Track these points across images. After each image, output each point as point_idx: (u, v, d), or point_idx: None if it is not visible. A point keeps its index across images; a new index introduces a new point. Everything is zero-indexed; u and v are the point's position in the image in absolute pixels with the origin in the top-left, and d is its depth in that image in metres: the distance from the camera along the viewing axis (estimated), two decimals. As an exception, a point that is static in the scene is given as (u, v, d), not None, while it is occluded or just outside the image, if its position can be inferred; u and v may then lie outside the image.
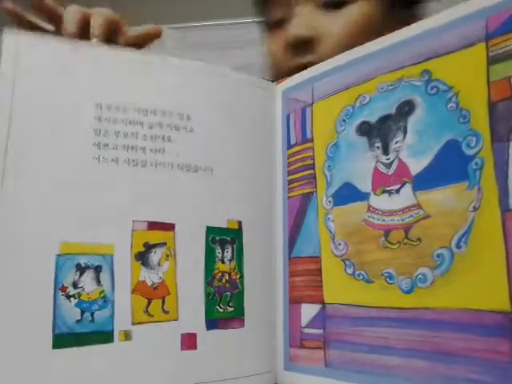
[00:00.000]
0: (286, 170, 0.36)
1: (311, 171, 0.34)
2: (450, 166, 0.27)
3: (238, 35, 1.55)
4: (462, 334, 0.24)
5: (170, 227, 0.33)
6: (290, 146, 0.36)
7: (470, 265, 0.25)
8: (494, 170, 0.25)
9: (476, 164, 0.25)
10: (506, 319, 0.23)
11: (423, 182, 0.28)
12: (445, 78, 0.28)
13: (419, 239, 0.27)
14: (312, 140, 0.35)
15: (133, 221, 0.31)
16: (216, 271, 0.34)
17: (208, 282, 0.33)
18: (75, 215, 0.30)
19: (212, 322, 0.33)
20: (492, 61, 0.25)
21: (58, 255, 0.29)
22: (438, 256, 0.26)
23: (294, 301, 0.34)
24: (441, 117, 0.27)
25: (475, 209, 0.25)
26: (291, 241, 0.35)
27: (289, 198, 0.36)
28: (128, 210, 0.31)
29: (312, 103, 0.35)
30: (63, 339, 0.28)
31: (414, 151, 0.28)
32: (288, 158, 0.36)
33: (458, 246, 0.25)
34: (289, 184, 0.36)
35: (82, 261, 0.29)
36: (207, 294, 0.33)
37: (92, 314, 0.29)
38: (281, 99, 0.38)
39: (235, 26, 1.61)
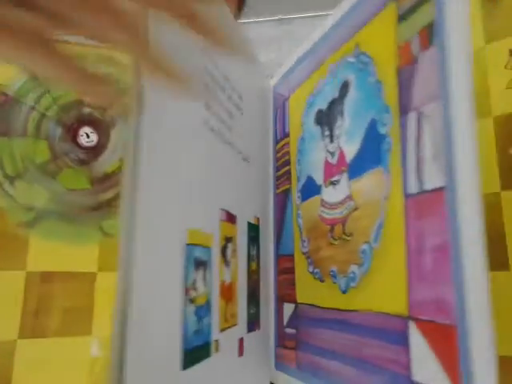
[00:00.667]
0: (275, 165, 0.36)
1: (289, 166, 0.33)
2: (371, 149, 0.23)
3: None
4: (375, 340, 0.21)
5: (235, 220, 0.28)
6: (276, 142, 0.36)
7: (381, 261, 0.21)
8: (400, 149, 0.21)
9: (387, 144, 0.22)
10: (403, 325, 0.19)
11: (355, 169, 0.25)
12: (368, 49, 0.24)
13: (351, 234, 0.25)
14: (289, 135, 0.34)
15: (219, 209, 0.26)
16: (251, 270, 0.32)
17: (247, 282, 0.30)
18: (194, 196, 0.22)
19: (250, 325, 0.31)
20: (399, 20, 0.22)
21: (187, 245, 0.21)
22: (363, 252, 0.23)
23: (280, 300, 0.34)
24: (366, 94, 0.24)
25: (386, 197, 0.22)
26: (278, 238, 0.35)
27: (277, 194, 0.35)
28: (217, 196, 0.26)
29: (288, 97, 0.34)
30: (191, 356, 0.21)
31: (349, 136, 0.26)
32: (276, 154, 0.36)
33: (375, 241, 0.22)
34: (277, 180, 0.35)
35: (198, 254, 0.22)
36: (248, 295, 0.30)
37: (202, 323, 0.23)
38: (272, 95, 0.37)
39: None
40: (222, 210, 0.26)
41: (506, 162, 0.29)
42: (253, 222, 0.32)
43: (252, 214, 0.33)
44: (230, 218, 0.27)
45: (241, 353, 0.28)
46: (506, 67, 0.29)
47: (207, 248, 0.24)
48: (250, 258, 0.31)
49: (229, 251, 0.27)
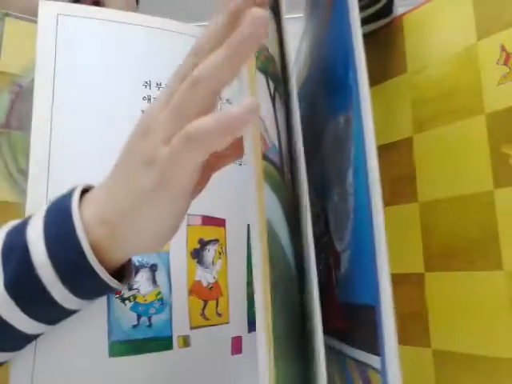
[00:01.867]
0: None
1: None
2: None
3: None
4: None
5: (221, 223, 0.30)
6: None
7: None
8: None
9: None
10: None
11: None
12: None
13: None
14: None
15: (188, 215, 0.26)
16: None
17: (248, 282, 0.31)
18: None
19: (252, 324, 0.30)
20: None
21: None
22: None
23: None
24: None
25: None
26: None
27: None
28: None
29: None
30: (120, 347, 0.24)
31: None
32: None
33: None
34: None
35: (136, 259, 0.25)
36: (248, 295, 0.31)
37: (149, 319, 0.25)
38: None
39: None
40: (193, 215, 0.27)
41: (498, 159, 0.27)
42: None
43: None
44: (210, 222, 0.28)
45: (236, 351, 0.29)
46: (497, 63, 0.28)
47: (156, 253, 0.26)
48: (251, 259, 0.32)
49: (208, 253, 0.28)
